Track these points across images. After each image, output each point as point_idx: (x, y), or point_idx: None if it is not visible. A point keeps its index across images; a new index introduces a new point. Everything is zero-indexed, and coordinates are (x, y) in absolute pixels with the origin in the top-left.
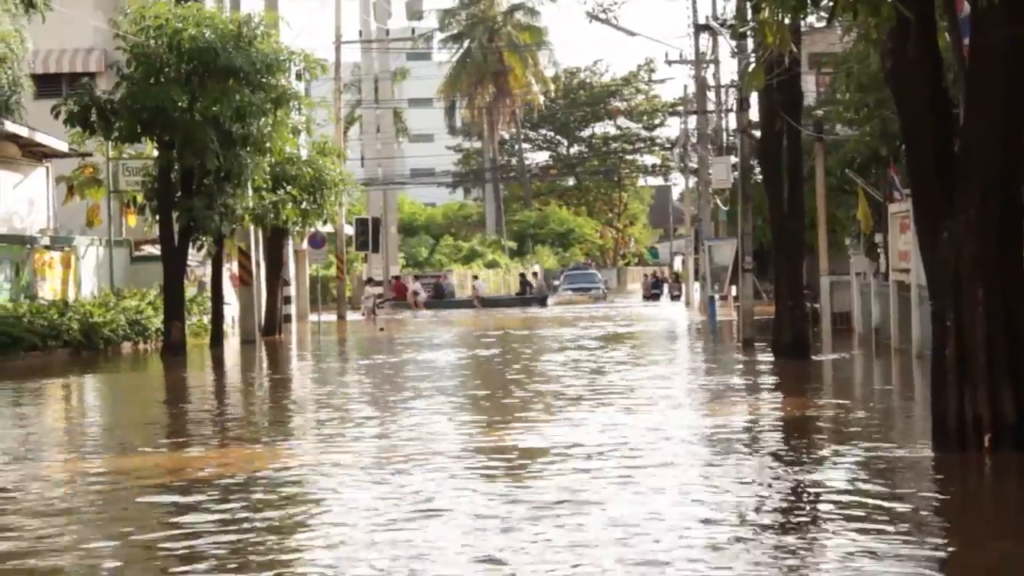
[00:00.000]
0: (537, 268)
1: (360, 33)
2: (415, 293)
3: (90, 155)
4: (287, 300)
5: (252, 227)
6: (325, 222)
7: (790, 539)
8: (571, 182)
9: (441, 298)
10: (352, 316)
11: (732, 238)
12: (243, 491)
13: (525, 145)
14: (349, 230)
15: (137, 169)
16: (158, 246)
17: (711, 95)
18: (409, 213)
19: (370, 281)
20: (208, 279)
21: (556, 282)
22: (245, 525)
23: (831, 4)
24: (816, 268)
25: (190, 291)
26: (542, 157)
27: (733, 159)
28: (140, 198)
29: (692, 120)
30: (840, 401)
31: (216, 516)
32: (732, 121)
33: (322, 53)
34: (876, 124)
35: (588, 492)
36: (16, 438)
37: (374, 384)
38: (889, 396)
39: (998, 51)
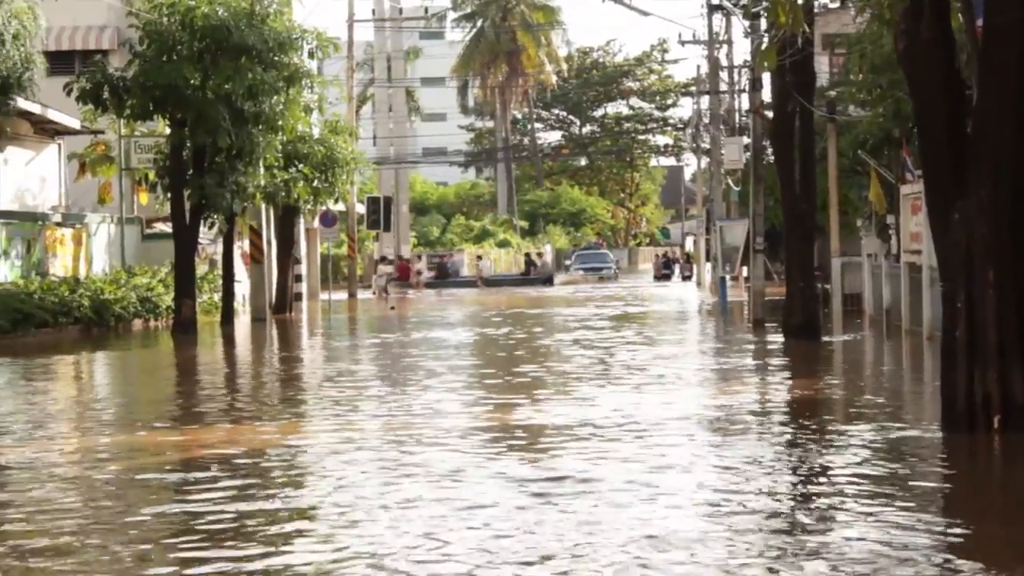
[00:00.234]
0: (549, 247)
1: (373, 12)
2: (418, 272)
3: (102, 132)
4: (298, 278)
5: (263, 205)
6: (336, 201)
7: (799, 518)
8: (583, 162)
9: (445, 278)
10: (363, 295)
11: (744, 219)
12: (252, 468)
13: (537, 125)
14: (361, 209)
15: (149, 147)
16: (169, 224)
17: (724, 75)
18: (421, 192)
19: (383, 260)
20: (219, 257)
21: (568, 262)
22: (254, 501)
23: None
24: (827, 249)
25: (201, 269)
26: (554, 137)
27: (745, 140)
28: (152, 176)
29: (705, 100)
30: (850, 382)
31: (224, 492)
32: (744, 102)
33: (335, 31)
34: (889, 105)
35: (596, 470)
36: (26, 415)
37: (384, 362)
38: (899, 377)
39: (1011, 32)
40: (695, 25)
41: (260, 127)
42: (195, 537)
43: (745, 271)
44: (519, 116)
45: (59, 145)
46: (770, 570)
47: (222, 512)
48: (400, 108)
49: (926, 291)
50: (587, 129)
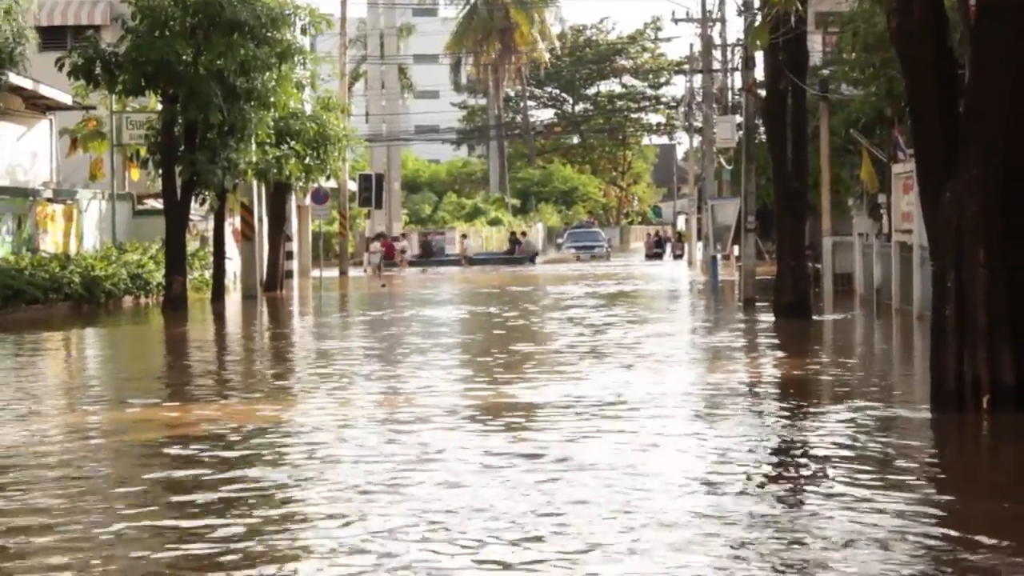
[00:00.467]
0: (540, 226)
1: None
2: (402, 251)
3: (94, 108)
4: (289, 256)
5: (255, 182)
6: (328, 178)
7: (789, 495)
8: (575, 140)
9: (430, 256)
10: (354, 272)
11: (735, 198)
12: (243, 443)
13: (530, 102)
14: (352, 186)
15: (141, 123)
16: (161, 200)
17: (717, 54)
18: (413, 170)
19: (379, 236)
20: (210, 234)
21: (560, 240)
22: (245, 476)
23: None
24: (819, 228)
25: (192, 246)
26: (547, 115)
27: (738, 118)
28: (143, 152)
29: (697, 79)
30: (840, 361)
31: (215, 467)
32: (737, 80)
33: (328, 8)
34: (881, 84)
35: (586, 447)
36: (17, 390)
37: (375, 339)
38: (889, 357)
39: (1004, 11)
40: (688, 3)
41: (252, 103)
42: (180, 512)
43: (736, 250)
44: (512, 94)
45: (50, 121)
46: (759, 552)
47: (209, 485)
48: (393, 85)
49: (917, 270)
50: (580, 107)
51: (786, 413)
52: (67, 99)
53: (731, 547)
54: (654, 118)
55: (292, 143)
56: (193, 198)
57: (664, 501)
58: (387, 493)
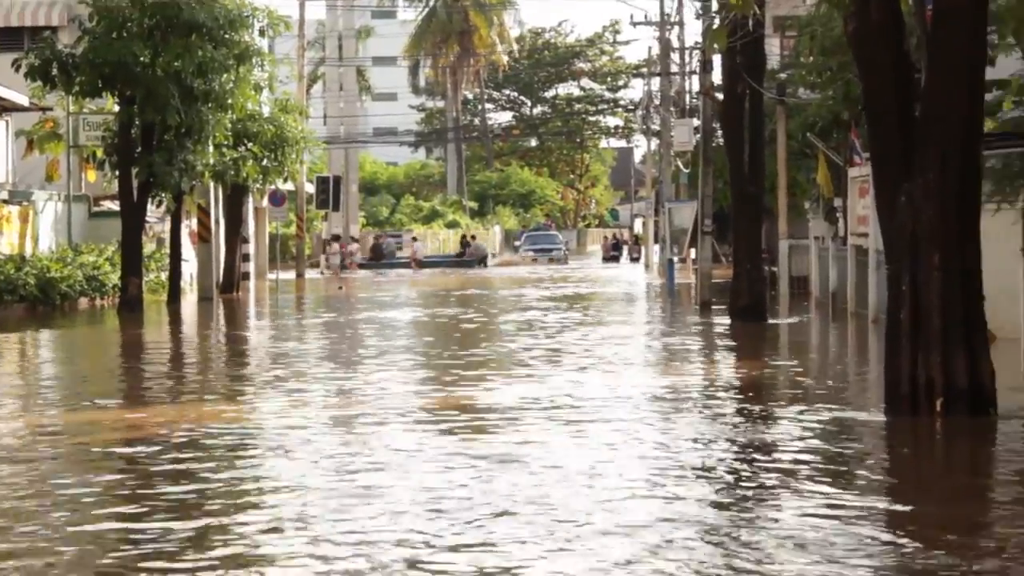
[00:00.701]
0: (497, 228)
1: None
2: (350, 253)
3: (50, 109)
4: (246, 258)
5: (212, 184)
6: (286, 180)
7: (742, 497)
8: (533, 143)
9: (380, 259)
10: (311, 274)
11: (692, 201)
12: (196, 445)
13: (488, 105)
14: (310, 188)
15: (97, 124)
16: (117, 202)
17: (675, 57)
18: (371, 172)
19: (337, 238)
20: (166, 236)
21: (517, 243)
22: (199, 477)
23: None
24: (775, 232)
25: (148, 247)
26: (505, 117)
27: (695, 122)
28: (100, 153)
29: (655, 82)
30: (795, 364)
31: (168, 468)
32: (695, 83)
33: (286, 10)
34: (838, 88)
35: (541, 447)
36: None
37: (331, 341)
38: (844, 360)
39: (960, 16)
40: (647, 6)
41: (209, 105)
42: (133, 510)
43: (693, 253)
44: (470, 96)
45: (7, 122)
46: (706, 552)
47: (160, 488)
48: (351, 87)
49: (872, 274)
50: (538, 110)
51: (740, 416)
52: (24, 100)
53: (678, 547)
54: (612, 121)
55: (249, 145)
56: (150, 200)
57: (615, 502)
58: (336, 495)
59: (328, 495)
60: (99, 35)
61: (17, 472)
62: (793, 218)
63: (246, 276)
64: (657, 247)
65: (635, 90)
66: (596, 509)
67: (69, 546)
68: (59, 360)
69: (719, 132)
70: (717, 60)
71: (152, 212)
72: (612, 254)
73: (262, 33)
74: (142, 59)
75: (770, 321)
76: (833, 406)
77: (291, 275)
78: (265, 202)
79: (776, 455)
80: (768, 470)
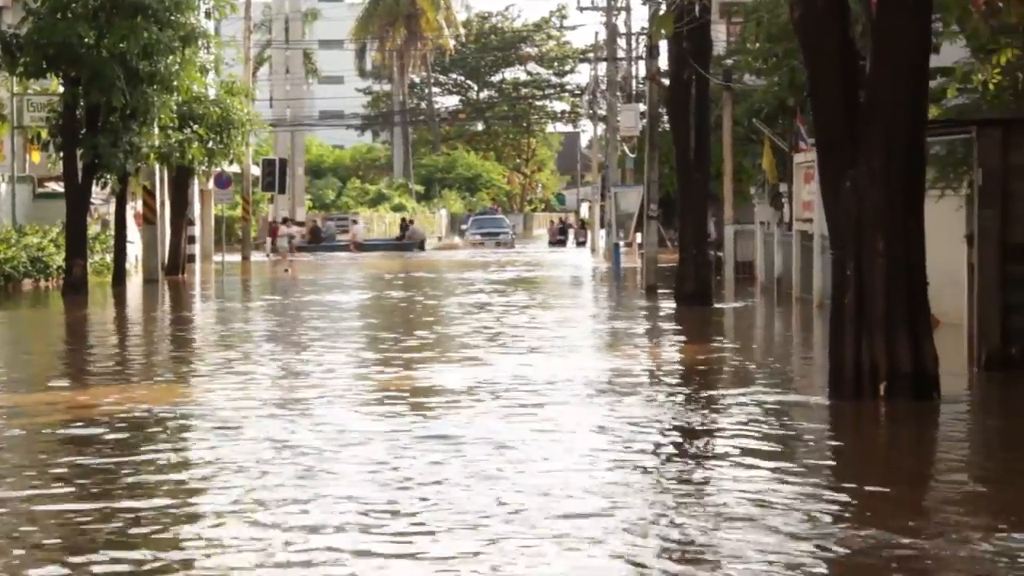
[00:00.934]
0: (443, 212)
1: None
2: (290, 237)
3: None
4: (191, 240)
5: (157, 166)
6: (231, 162)
7: (685, 479)
8: (480, 127)
9: (318, 242)
10: (256, 256)
11: (638, 185)
12: (140, 426)
13: (435, 89)
14: (256, 171)
15: (42, 105)
16: (62, 183)
17: (621, 42)
18: (317, 155)
19: (285, 221)
20: (112, 217)
21: (464, 226)
22: (143, 460)
23: None
24: (721, 217)
25: (93, 229)
26: (452, 101)
27: (641, 107)
28: (44, 134)
29: (602, 67)
30: (740, 348)
31: (113, 451)
32: (641, 69)
33: None
34: (784, 74)
35: (486, 430)
36: None
37: (275, 323)
38: (788, 344)
39: (905, 4)
40: None
41: (155, 87)
42: (74, 490)
43: (639, 238)
44: (417, 80)
45: None
46: (649, 531)
47: (106, 469)
48: (297, 70)
49: (817, 259)
50: (484, 94)
51: (685, 398)
52: None
53: (618, 525)
54: (558, 106)
55: (195, 127)
56: (95, 181)
57: (561, 479)
58: (281, 476)
59: (273, 476)
60: (44, 16)
61: None
62: (739, 204)
63: (191, 258)
64: (603, 232)
65: (582, 75)
66: (537, 489)
67: (9, 524)
68: (2, 341)
69: (665, 117)
70: (664, 46)
71: (97, 194)
72: (558, 238)
73: (208, 15)
74: (87, 40)
75: (715, 305)
76: (777, 390)
77: (237, 258)
78: (211, 184)
79: (720, 437)
80: (712, 452)
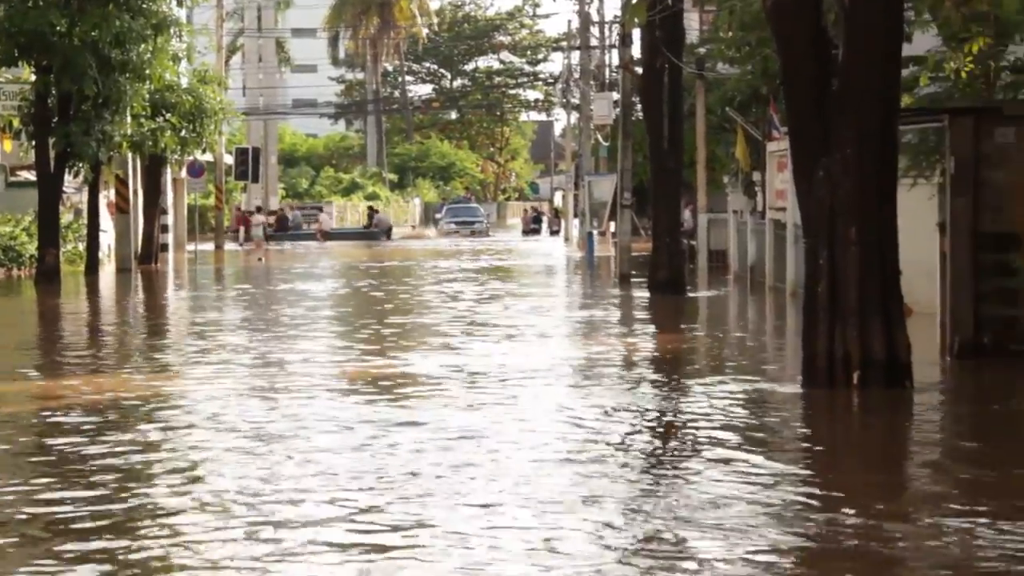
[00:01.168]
0: (416, 201)
1: None
2: (257, 225)
3: None
4: (164, 229)
5: (130, 155)
6: (204, 151)
7: (655, 467)
8: (453, 116)
9: (285, 231)
10: (230, 246)
11: (612, 174)
12: (115, 415)
13: (408, 77)
14: (229, 159)
15: (14, 93)
16: (34, 172)
17: (594, 31)
18: (290, 144)
19: (259, 210)
20: (84, 206)
21: (438, 215)
22: (116, 447)
23: None
24: (695, 206)
25: (66, 218)
26: (425, 90)
27: (615, 95)
28: (16, 123)
29: (575, 56)
30: (713, 337)
31: (86, 438)
32: (615, 57)
33: None
34: (757, 63)
35: (460, 416)
36: None
37: (249, 312)
38: (762, 333)
39: None
40: None
41: (127, 75)
42: (44, 477)
43: (613, 226)
44: (390, 69)
45: None
46: (624, 517)
47: (78, 456)
48: (270, 59)
49: (790, 248)
50: (458, 83)
51: (658, 386)
52: None
53: (590, 511)
54: (532, 94)
55: (168, 116)
56: (67, 170)
57: (535, 467)
58: (257, 463)
59: (244, 465)
60: (15, 3)
61: None
62: (712, 192)
63: (164, 247)
64: (577, 220)
65: (555, 64)
66: (510, 477)
67: None
68: None
69: (638, 106)
70: (637, 34)
71: (70, 182)
72: (532, 227)
73: (180, 3)
74: (59, 28)
75: (689, 294)
76: (750, 378)
77: (210, 247)
78: (183, 173)
79: (693, 425)
80: (685, 439)
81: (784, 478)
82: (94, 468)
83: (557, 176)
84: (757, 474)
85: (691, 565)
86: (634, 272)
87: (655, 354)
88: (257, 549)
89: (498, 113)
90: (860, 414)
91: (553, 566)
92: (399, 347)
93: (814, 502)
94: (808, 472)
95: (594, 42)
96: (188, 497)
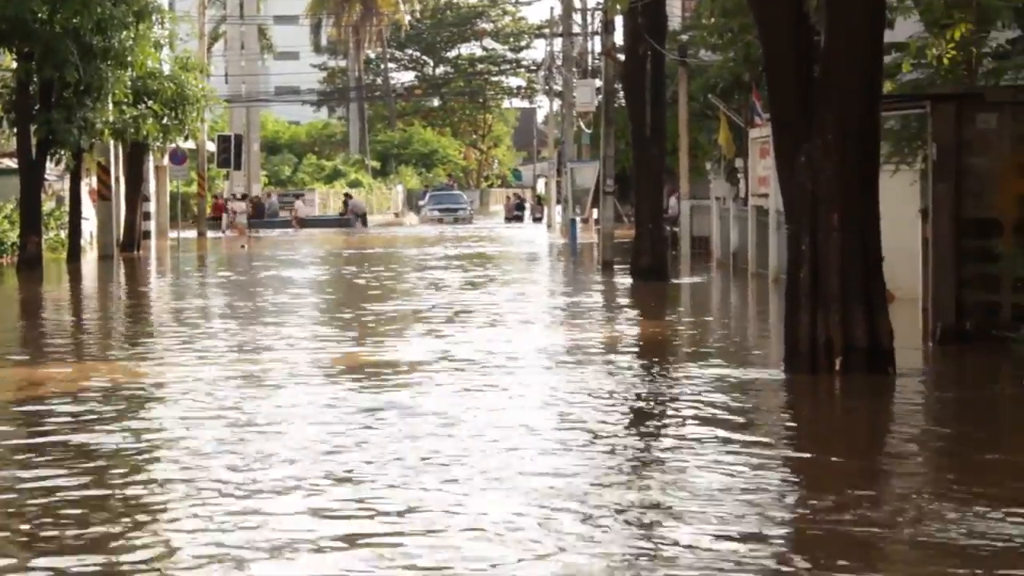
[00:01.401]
0: (399, 188)
1: None
2: (234, 212)
3: None
4: (146, 216)
5: (112, 142)
6: (187, 138)
7: (638, 452)
8: (436, 103)
9: (261, 218)
10: (212, 233)
11: (595, 161)
12: (98, 402)
13: (391, 65)
14: (211, 147)
15: None
16: (15, 159)
17: (577, 18)
18: (272, 131)
19: (244, 197)
20: (66, 194)
21: (421, 203)
22: (100, 435)
23: None
24: (678, 192)
25: (48, 205)
26: (407, 77)
27: (597, 82)
28: None
29: (558, 43)
30: (695, 323)
31: (69, 426)
32: (597, 44)
33: None
34: (739, 49)
35: (443, 402)
36: None
37: (232, 299)
38: (744, 319)
39: None
40: None
41: (109, 62)
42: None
43: (595, 213)
44: (372, 56)
45: None
46: (610, 504)
47: (62, 444)
48: (252, 46)
49: (773, 234)
50: (440, 70)
51: (641, 372)
52: None
53: (571, 497)
54: (514, 81)
55: (150, 103)
56: (49, 157)
57: (519, 454)
58: (236, 453)
59: (228, 453)
60: None
61: None
62: (695, 179)
63: (147, 235)
64: (559, 207)
65: (537, 51)
66: (491, 461)
67: None
68: None
69: (621, 93)
70: (619, 21)
71: (51, 170)
72: (515, 214)
73: None
74: (40, 15)
75: (671, 281)
76: (733, 364)
77: (192, 234)
78: (166, 160)
79: (675, 411)
80: (667, 425)
81: (765, 463)
82: (71, 454)
83: (540, 163)
84: (738, 459)
85: (672, 552)
86: (617, 259)
87: (638, 340)
88: (238, 536)
89: (481, 100)
90: (842, 400)
91: (534, 550)
92: (382, 333)
93: (794, 487)
94: (789, 457)
95: (576, 29)
96: (165, 486)
